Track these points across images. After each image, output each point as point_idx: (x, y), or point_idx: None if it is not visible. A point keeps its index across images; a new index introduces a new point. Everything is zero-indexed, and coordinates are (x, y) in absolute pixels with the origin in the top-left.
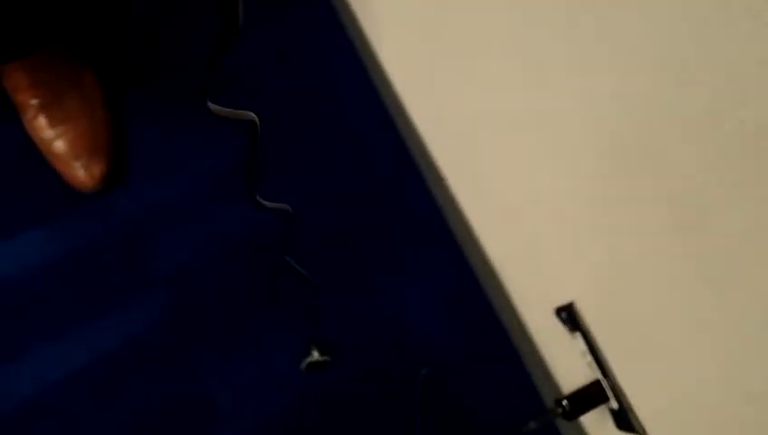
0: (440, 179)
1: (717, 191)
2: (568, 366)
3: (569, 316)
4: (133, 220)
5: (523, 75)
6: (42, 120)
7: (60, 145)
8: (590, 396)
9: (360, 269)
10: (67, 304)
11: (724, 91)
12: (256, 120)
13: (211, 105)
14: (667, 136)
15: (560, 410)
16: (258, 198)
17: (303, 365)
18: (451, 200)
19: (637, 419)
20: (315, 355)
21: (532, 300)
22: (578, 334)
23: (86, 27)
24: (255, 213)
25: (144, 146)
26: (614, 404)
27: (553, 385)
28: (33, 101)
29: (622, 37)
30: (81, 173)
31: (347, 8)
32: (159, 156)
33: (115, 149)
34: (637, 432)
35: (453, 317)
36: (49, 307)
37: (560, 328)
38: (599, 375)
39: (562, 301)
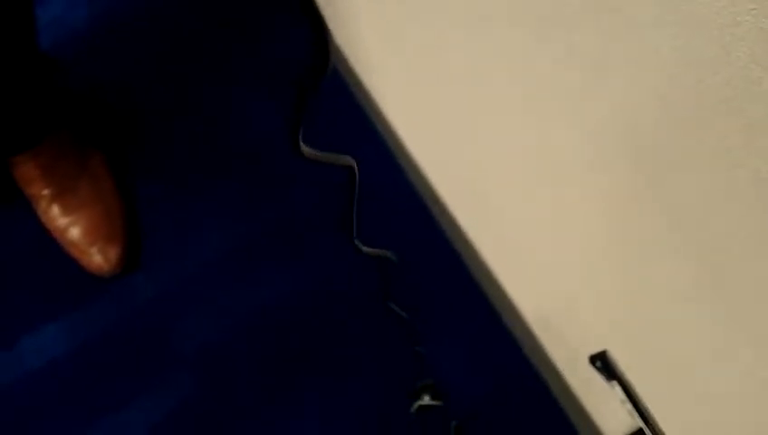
0: (465, 240)
1: (740, 240)
2: (609, 415)
3: (603, 364)
4: (154, 299)
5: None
6: (55, 210)
7: (75, 232)
8: None
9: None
10: (93, 392)
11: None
12: (354, 165)
13: (305, 148)
14: (683, 181)
15: None
16: (357, 242)
17: (414, 408)
18: (477, 258)
19: None
20: (426, 399)
21: (567, 350)
22: (614, 383)
23: (92, 112)
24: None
25: (160, 225)
26: None
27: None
28: (45, 192)
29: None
30: (98, 258)
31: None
32: (175, 234)
33: (129, 230)
34: None
35: (489, 372)
36: (75, 396)
37: (597, 377)
38: (641, 423)
39: (597, 349)
